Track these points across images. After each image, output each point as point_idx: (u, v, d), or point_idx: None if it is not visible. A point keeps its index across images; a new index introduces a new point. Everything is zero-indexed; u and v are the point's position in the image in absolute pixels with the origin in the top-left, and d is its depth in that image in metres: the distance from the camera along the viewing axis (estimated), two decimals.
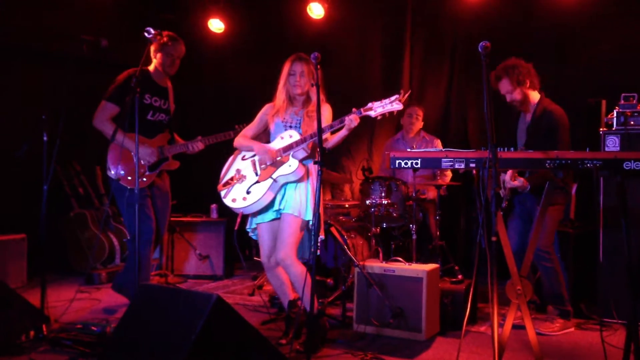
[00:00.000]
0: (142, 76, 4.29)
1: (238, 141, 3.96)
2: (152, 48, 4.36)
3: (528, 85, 4.10)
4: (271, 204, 3.75)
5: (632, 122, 4.14)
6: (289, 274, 3.73)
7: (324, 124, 3.63)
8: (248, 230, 3.92)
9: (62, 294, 4.97)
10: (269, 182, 3.70)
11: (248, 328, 2.93)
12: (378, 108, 3.57)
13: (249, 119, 4.71)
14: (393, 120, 6.06)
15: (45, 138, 3.96)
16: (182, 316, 2.83)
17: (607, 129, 4.23)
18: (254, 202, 3.71)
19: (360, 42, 6.55)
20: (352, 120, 3.56)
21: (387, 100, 3.57)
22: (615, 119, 4.18)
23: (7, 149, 5.07)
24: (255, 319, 4.30)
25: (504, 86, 4.12)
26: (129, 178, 4.28)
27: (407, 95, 3.58)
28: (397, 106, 3.55)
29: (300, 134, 3.72)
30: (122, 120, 4.07)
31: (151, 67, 4.44)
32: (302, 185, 3.71)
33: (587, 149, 3.03)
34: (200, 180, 6.79)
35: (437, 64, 6.18)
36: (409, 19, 6.25)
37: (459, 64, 6.06)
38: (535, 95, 4.17)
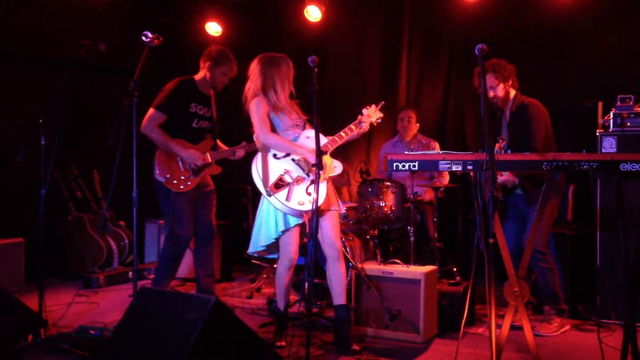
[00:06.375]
0: (187, 85, 4.46)
1: (274, 139, 3.75)
2: (208, 62, 4.52)
3: (511, 83, 4.20)
4: None
5: (628, 124, 4.15)
6: (335, 268, 3.77)
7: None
8: (277, 234, 3.74)
9: (60, 297, 4.97)
10: (325, 183, 3.75)
11: (246, 331, 2.94)
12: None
13: (246, 123, 4.71)
14: (391, 123, 6.07)
15: (43, 142, 3.96)
16: (180, 319, 2.83)
17: (604, 130, 4.25)
18: (320, 203, 3.67)
19: (358, 44, 6.55)
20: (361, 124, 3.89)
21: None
22: (611, 120, 4.20)
23: (6, 153, 5.07)
24: (254, 322, 4.30)
25: (489, 81, 4.16)
26: (175, 182, 4.44)
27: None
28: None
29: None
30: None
31: (198, 76, 4.60)
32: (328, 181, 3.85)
33: (584, 150, 3.04)
34: None
35: (435, 66, 6.19)
36: (407, 22, 6.25)
37: (456, 66, 6.07)
38: (513, 93, 4.25)
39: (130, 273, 5.78)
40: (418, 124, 5.70)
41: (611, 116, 4.21)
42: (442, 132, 6.12)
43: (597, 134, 4.25)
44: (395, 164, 3.21)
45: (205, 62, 4.54)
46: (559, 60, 5.52)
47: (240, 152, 4.64)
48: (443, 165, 3.15)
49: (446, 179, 5.52)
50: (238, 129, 4.51)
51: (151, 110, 4.43)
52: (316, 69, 3.33)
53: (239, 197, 6.51)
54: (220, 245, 5.90)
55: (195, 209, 4.63)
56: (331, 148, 3.79)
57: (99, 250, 5.82)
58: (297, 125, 3.86)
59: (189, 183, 4.48)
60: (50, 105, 4.76)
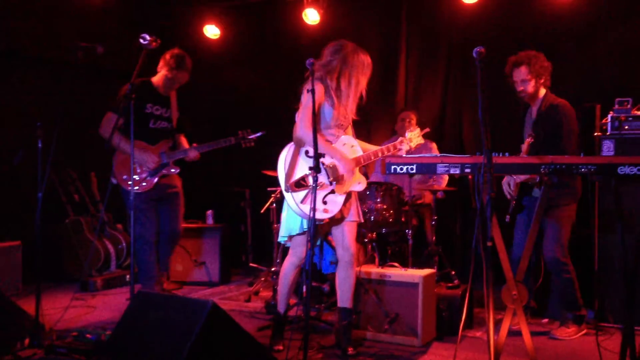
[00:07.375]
0: (143, 86, 4.43)
1: (307, 133, 3.49)
2: (161, 63, 4.56)
3: (543, 80, 4.12)
4: None
5: (626, 127, 4.15)
6: (346, 271, 3.73)
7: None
8: (297, 231, 3.65)
9: (57, 301, 4.95)
10: (343, 197, 3.64)
11: (244, 335, 2.93)
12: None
13: (243, 126, 4.70)
14: (389, 125, 6.07)
15: (40, 145, 3.95)
16: (177, 323, 2.82)
17: (602, 133, 4.24)
18: (332, 215, 3.59)
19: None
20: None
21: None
22: (609, 123, 4.19)
23: (3, 156, 5.06)
24: (252, 326, 4.28)
25: (521, 74, 4.08)
26: (129, 183, 4.43)
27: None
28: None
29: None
30: (117, 127, 4.16)
31: (155, 78, 4.63)
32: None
33: (582, 153, 3.04)
34: (196, 186, 6.79)
35: (433, 69, 6.19)
36: (404, 24, 6.25)
37: (455, 69, 6.07)
38: (543, 92, 4.17)
39: (128, 276, 5.76)
40: (418, 127, 5.68)
41: (609, 119, 4.20)
42: (440, 135, 6.11)
43: (595, 137, 4.25)
44: (393, 167, 3.20)
45: (159, 64, 4.57)
46: (558, 62, 5.50)
47: (192, 153, 4.65)
48: (441, 168, 3.14)
49: (444, 182, 5.51)
50: (230, 125, 4.52)
51: (107, 113, 4.45)
52: (314, 72, 3.33)
53: (237, 201, 6.51)
54: (218, 248, 5.89)
55: (158, 210, 4.65)
56: (363, 163, 3.71)
57: (97, 254, 5.80)
58: (341, 125, 3.72)
59: (144, 184, 4.50)
60: (48, 107, 4.76)
